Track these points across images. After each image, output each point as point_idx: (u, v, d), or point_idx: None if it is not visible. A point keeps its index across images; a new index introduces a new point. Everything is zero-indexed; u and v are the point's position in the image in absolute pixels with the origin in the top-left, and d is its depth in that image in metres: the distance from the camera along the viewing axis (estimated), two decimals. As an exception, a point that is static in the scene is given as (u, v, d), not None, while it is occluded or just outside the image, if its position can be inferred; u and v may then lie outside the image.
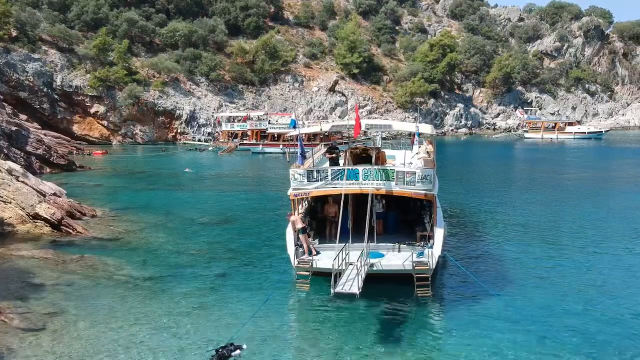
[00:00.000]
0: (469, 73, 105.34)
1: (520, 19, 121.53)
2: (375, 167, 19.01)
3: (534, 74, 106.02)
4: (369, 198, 18.40)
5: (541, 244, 24.49)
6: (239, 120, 71.00)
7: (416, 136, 18.49)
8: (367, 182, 18.84)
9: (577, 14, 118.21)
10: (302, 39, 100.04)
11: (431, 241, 18.85)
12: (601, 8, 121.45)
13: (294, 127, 19.78)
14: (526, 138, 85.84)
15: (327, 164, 21.21)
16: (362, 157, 21.47)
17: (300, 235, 18.65)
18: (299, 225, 18.74)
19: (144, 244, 24.70)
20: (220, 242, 25.12)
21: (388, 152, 28.74)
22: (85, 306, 17.38)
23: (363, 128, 19.70)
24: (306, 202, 22.27)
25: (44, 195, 27.44)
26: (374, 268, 17.89)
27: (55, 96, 74.63)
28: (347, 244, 18.24)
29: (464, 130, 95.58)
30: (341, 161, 21.21)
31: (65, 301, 17.67)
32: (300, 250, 18.72)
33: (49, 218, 25.15)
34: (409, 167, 19.49)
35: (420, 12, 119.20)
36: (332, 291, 15.34)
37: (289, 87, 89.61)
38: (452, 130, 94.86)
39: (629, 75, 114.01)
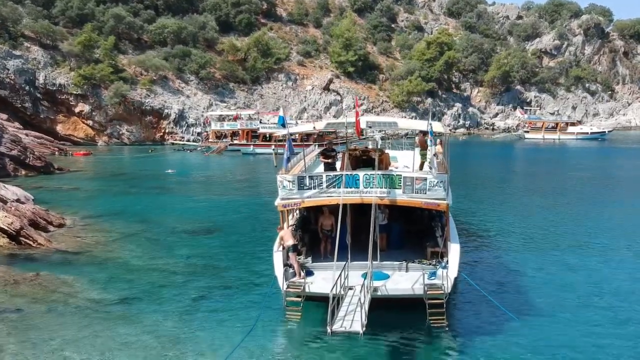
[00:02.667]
0: (467, 72, 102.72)
1: (519, 17, 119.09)
2: (379, 172, 16.10)
3: (533, 72, 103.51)
4: (372, 207, 15.50)
5: (560, 255, 21.71)
6: (229, 120, 67.97)
7: (430, 135, 15.48)
8: (370, 190, 15.96)
9: (576, 12, 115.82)
10: (295, 37, 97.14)
11: (445, 259, 15.98)
12: (601, 6, 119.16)
13: (283, 125, 16.83)
14: (527, 139, 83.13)
15: (321, 168, 18.26)
16: (362, 159, 18.52)
17: (290, 254, 15.75)
18: (290, 241, 15.85)
19: (113, 259, 21.72)
20: (201, 255, 22.16)
21: (389, 153, 25.92)
22: (30, 341, 14.40)
23: (363, 126, 16.80)
24: (297, 212, 19.36)
25: (5, 202, 24.41)
26: (378, 292, 15.03)
27: (38, 95, 71.61)
28: (347, 264, 15.39)
29: (462, 130, 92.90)
30: (338, 165, 18.27)
31: (6, 335, 14.67)
32: (291, 271, 15.81)
33: (5, 228, 22.13)
34: (418, 172, 16.54)
35: (417, 9, 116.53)
36: (328, 329, 12.43)
37: (282, 85, 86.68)
38: (450, 130, 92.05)
39: (630, 75, 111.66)
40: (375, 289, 15.00)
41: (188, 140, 73.59)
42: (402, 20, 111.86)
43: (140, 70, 77.95)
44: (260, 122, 66.24)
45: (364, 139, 34.42)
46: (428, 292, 14.76)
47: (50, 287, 18.17)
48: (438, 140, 22.37)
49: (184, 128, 76.08)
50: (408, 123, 19.22)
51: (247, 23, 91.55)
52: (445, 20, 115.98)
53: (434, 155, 17.49)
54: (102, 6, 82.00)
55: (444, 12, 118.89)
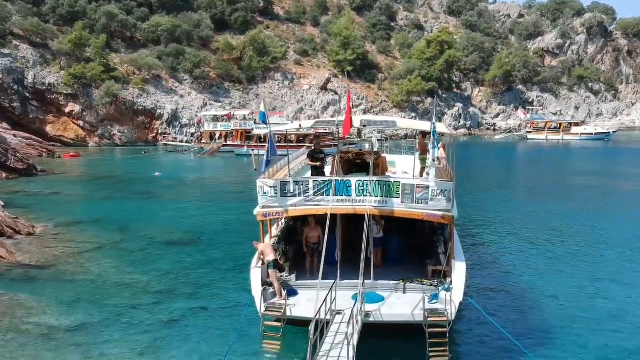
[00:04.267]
0: (468, 71, 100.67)
1: (521, 15, 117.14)
2: (374, 178, 14.03)
3: (535, 72, 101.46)
4: (366, 219, 13.44)
5: (574, 272, 19.64)
6: (222, 120, 65.87)
7: (433, 137, 13.38)
8: (363, 199, 13.91)
9: (579, 10, 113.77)
10: (292, 35, 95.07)
11: (448, 280, 13.94)
12: (604, 4, 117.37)
13: (264, 122, 14.79)
14: (529, 139, 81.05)
15: (310, 173, 16.19)
16: (355, 164, 16.43)
17: (270, 271, 13.71)
18: (270, 256, 13.82)
19: (81, 274, 19.67)
20: (179, 270, 20.10)
21: (387, 157, 23.84)
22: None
23: (357, 125, 14.72)
24: (283, 222, 17.31)
25: (-34, 209, 22.36)
26: (371, 318, 12.99)
27: (27, 94, 69.56)
28: (335, 283, 13.37)
29: (463, 131, 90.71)
30: (328, 169, 16.19)
31: None
32: (270, 291, 13.77)
33: (-39, 239, 20.09)
34: (419, 179, 14.44)
35: (417, 8, 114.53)
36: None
37: (278, 85, 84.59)
38: (452, 130, 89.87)
39: (634, 74, 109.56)
40: (368, 314, 13.00)
41: (181, 141, 71.51)
42: (402, 19, 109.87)
43: (132, 69, 75.93)
44: (255, 123, 64.09)
45: (363, 140, 32.33)
46: (429, 319, 12.74)
47: (3, 309, 16.08)
48: (440, 144, 20.29)
49: (178, 129, 74.05)
50: (408, 123, 16.91)
51: (243, 21, 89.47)
52: (446, 19, 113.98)
53: (434, 160, 14.92)
54: (94, 4, 79.92)
55: (444, 10, 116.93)
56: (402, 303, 13.65)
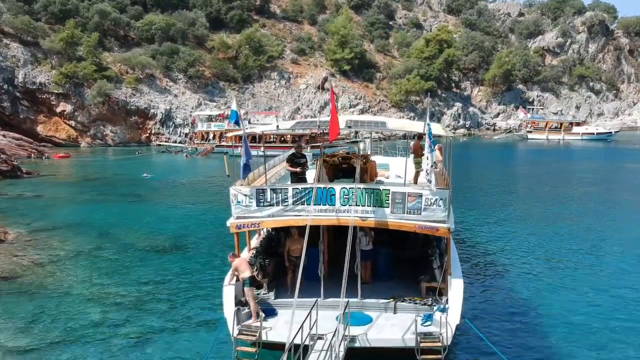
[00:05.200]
0: (467, 70, 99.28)
1: (521, 14, 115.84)
2: (361, 185, 12.57)
3: (536, 71, 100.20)
4: (349, 231, 11.99)
5: (580, 288, 18.06)
6: (215, 120, 64.44)
7: (428, 138, 11.90)
8: (348, 208, 12.47)
9: (580, 9, 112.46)
10: (289, 34, 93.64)
11: (444, 298, 12.50)
12: (605, 2, 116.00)
13: (236, 122, 13.35)
14: (530, 139, 79.63)
15: (290, 179, 14.65)
16: (342, 169, 14.96)
17: (246, 289, 12.28)
18: (245, 272, 12.37)
19: (49, 286, 18.23)
20: (155, 282, 18.66)
21: (379, 159, 22.32)
22: None
23: (343, 127, 13.27)
24: (264, 232, 15.86)
25: None
26: (356, 343, 11.57)
27: (17, 94, 68.27)
28: (316, 302, 11.94)
29: (462, 131, 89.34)
30: (311, 175, 14.71)
31: None
32: (245, 311, 12.34)
33: None
34: (411, 186, 12.95)
35: (415, 6, 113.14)
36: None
37: (274, 84, 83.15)
38: (450, 131, 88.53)
39: (635, 73, 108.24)
40: (353, 339, 11.58)
41: (174, 142, 70.04)
42: (400, 18, 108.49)
43: (125, 68, 74.55)
44: (250, 123, 62.64)
45: (354, 142, 30.83)
46: (421, 344, 11.31)
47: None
48: (437, 146, 18.83)
49: (171, 129, 72.67)
50: (399, 123, 15.16)
51: (239, 20, 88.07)
52: (445, 18, 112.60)
53: (431, 166, 13.30)
54: (86, 2, 78.43)
55: (443, 9, 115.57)
56: (391, 325, 12.22)
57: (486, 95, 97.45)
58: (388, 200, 12.38)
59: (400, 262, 15.06)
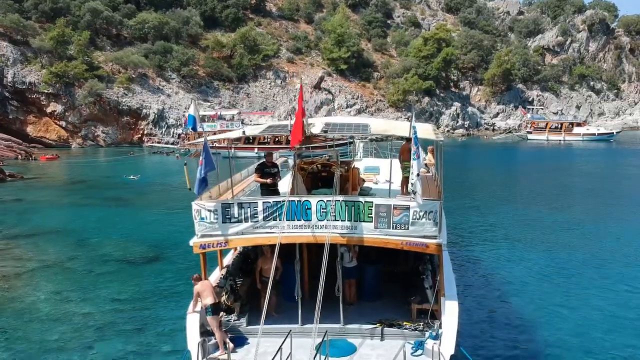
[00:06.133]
0: (466, 70, 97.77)
1: (520, 13, 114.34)
2: (339, 197, 11.11)
3: (535, 70, 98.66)
4: (325, 249, 10.51)
5: (588, 306, 16.61)
6: (208, 120, 62.95)
7: (414, 143, 10.40)
8: (326, 224, 11.02)
9: (580, 7, 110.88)
10: (285, 33, 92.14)
11: (437, 323, 11.06)
12: (606, 1, 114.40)
13: (193, 128, 11.90)
14: (530, 140, 78.20)
15: (260, 192, 13.09)
16: (321, 177, 13.48)
17: (209, 318, 10.84)
18: (208, 299, 10.93)
19: (11, 302, 16.91)
20: (127, 299, 17.29)
21: (370, 161, 20.90)
22: None
23: (317, 130, 11.78)
24: (240, 247, 14.39)
25: None
26: (337, 380, 10.16)
27: (6, 94, 66.80)
28: (291, 331, 10.53)
29: (461, 131, 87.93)
30: (285, 185, 13.22)
31: None
32: (212, 342, 10.90)
33: None
34: (397, 198, 11.45)
35: (414, 5, 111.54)
36: None
37: (270, 84, 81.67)
38: (448, 131, 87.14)
39: (637, 72, 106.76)
40: (334, 373, 10.14)
41: (166, 143, 68.52)
42: (398, 16, 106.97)
43: (117, 67, 73.01)
44: (243, 123, 61.28)
45: (344, 144, 29.29)
46: (410, 380, 9.88)
47: None
48: (429, 148, 17.40)
49: (164, 129, 71.12)
50: (384, 126, 13.23)
51: (234, 18, 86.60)
52: (444, 16, 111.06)
53: (417, 175, 11.56)
54: (77, 0, 76.88)
55: (441, 7, 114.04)
56: (377, 355, 10.81)
57: (485, 94, 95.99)
58: (371, 213, 10.94)
59: (389, 278, 13.62)
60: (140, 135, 70.84)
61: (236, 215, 11.12)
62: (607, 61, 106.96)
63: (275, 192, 12.35)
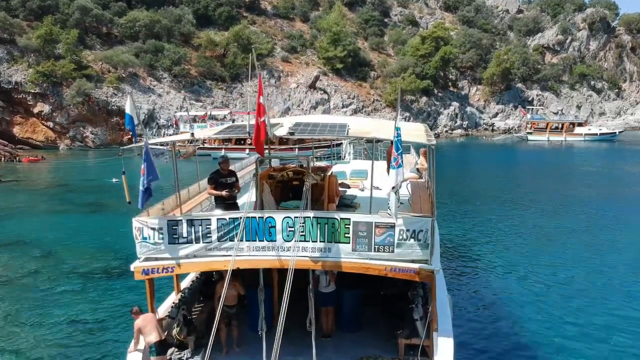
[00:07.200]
0: (465, 69, 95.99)
1: (520, 11, 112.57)
2: (310, 213, 9.21)
3: (535, 70, 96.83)
4: (288, 276, 8.63)
5: (604, 335, 14.72)
6: (198, 120, 61.11)
7: (394, 149, 8.44)
8: (294, 245, 9.14)
9: (580, 5, 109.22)
10: (280, 31, 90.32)
11: (427, 364, 9.22)
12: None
13: (132, 130, 10.07)
14: (530, 140, 76.35)
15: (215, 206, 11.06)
16: (292, 187, 11.53)
17: (153, 359, 8.94)
18: (151, 336, 9.08)
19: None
20: (87, 322, 15.46)
21: (357, 164, 18.97)
22: None
23: (281, 133, 9.85)
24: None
25: None
26: None
27: (-8, 94, 64.85)
28: None
29: (459, 131, 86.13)
30: (247, 198, 11.24)
31: None
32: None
33: None
34: (379, 215, 9.47)
35: (411, 3, 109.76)
36: None
37: (264, 83, 79.59)
38: (446, 131, 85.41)
39: (638, 71, 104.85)
40: None
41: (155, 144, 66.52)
42: (396, 15, 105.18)
43: (107, 66, 71.13)
44: (233, 123, 59.31)
45: (327, 145, 27.39)
46: None
47: None
48: (421, 150, 15.56)
49: (154, 130, 69.14)
50: (365, 128, 10.89)
51: (228, 16, 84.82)
52: (442, 15, 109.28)
53: (396, 187, 9.41)
54: (67, -3, 75.05)
55: (439, 5, 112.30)
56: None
57: (484, 94, 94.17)
58: (348, 233, 9.07)
59: (374, 302, 11.74)
60: (130, 137, 68.67)
61: (185, 234, 9.27)
62: (608, 60, 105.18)
63: (234, 207, 10.45)
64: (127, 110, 9.82)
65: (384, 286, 12.20)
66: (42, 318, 15.78)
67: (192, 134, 10.85)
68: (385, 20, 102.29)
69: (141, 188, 9.27)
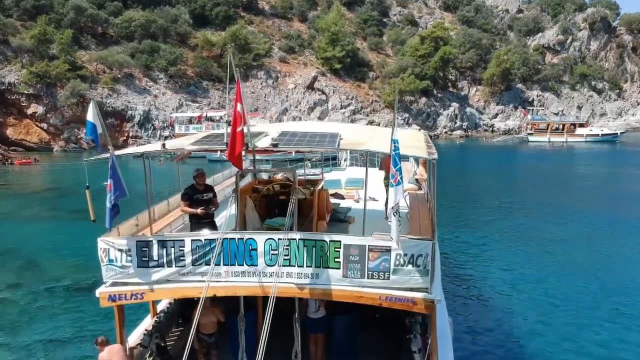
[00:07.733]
0: (464, 69, 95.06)
1: (520, 11, 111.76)
2: (296, 235, 8.22)
3: (536, 70, 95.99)
4: (269, 303, 7.68)
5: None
6: (193, 122, 60.19)
7: (392, 165, 7.45)
8: (278, 270, 8.15)
9: (581, 5, 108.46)
10: (278, 31, 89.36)
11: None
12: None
13: (94, 138, 9.09)
14: (531, 142, 75.38)
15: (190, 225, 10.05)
16: (279, 201, 10.52)
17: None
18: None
19: None
20: (62, 342, 14.53)
21: (354, 172, 18.00)
22: None
23: (264, 145, 8.85)
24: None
25: None
26: None
27: (-15, 95, 63.86)
28: None
29: (459, 132, 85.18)
30: (225, 216, 10.21)
31: None
32: None
33: None
34: (373, 237, 8.44)
35: (411, 3, 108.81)
36: None
37: (261, 83, 78.79)
38: (446, 132, 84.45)
39: (639, 72, 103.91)
40: None
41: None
42: (395, 14, 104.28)
43: (102, 67, 70.10)
44: (212, 131, 58.32)
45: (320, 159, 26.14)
46: None
47: None
48: (420, 161, 14.61)
49: (150, 131, 68.17)
50: (362, 136, 9.79)
51: (225, 16, 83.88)
52: (441, 14, 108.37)
53: (393, 208, 8.20)
54: (61, -4, 74.05)
55: (439, 5, 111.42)
56: None
57: (484, 95, 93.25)
58: (338, 257, 8.09)
59: (367, 324, 10.75)
60: (125, 138, 67.88)
61: (156, 257, 8.28)
62: (608, 60, 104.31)
63: (210, 226, 9.48)
64: (89, 118, 8.82)
65: (380, 309, 11.19)
66: (17, 335, 14.85)
67: (164, 145, 9.85)
68: (384, 20, 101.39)
69: (108, 205, 8.27)
